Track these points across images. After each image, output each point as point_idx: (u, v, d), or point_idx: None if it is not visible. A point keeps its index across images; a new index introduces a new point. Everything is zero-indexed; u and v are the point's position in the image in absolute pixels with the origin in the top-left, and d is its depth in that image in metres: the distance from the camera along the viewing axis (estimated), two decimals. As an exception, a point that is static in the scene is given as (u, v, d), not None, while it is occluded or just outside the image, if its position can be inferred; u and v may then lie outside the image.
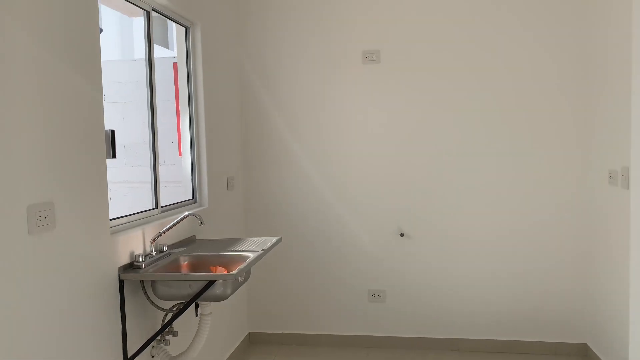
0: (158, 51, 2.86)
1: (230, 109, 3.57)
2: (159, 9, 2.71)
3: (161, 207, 2.71)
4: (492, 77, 3.43)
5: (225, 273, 2.13)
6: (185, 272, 2.44)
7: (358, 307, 3.69)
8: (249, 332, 3.81)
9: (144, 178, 5.38)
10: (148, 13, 2.62)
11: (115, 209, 2.40)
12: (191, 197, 3.14)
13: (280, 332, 3.78)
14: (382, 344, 3.66)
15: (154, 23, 2.67)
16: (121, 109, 5.12)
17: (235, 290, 2.28)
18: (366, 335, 3.68)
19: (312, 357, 3.53)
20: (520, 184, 3.44)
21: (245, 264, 2.23)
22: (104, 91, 2.84)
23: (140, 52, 5.68)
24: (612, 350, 3.06)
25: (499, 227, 3.48)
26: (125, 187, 5.03)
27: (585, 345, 3.42)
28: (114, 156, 2.19)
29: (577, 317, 3.44)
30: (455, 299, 3.57)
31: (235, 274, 2.08)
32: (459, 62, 3.45)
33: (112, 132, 2.18)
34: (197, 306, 2.88)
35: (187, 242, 2.80)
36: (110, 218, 2.16)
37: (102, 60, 2.07)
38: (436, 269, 3.58)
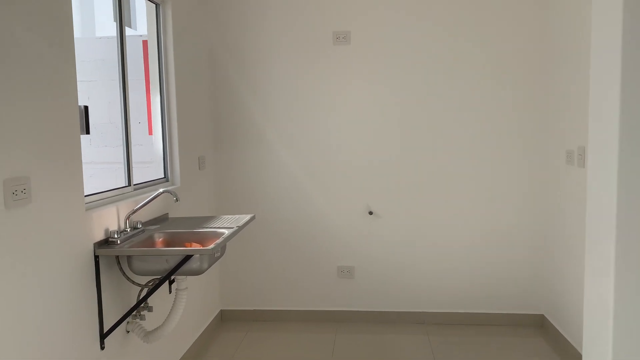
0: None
1: (201, 88, 3.56)
2: (129, -16, 2.68)
3: (134, 184, 2.71)
4: (456, 61, 3.53)
5: (202, 248, 2.17)
6: (161, 248, 2.47)
7: (328, 284, 3.78)
8: (221, 310, 3.86)
9: (111, 159, 5.31)
10: (119, -12, 2.59)
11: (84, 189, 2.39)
12: (163, 176, 3.15)
13: (252, 308, 3.84)
14: (351, 318, 3.78)
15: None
16: (86, 88, 5.01)
17: (212, 265, 2.32)
18: (336, 310, 3.79)
19: (283, 332, 3.62)
20: (481, 164, 3.59)
21: (221, 239, 2.27)
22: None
23: (103, 30, 5.54)
24: (566, 320, 3.26)
25: (461, 206, 3.63)
26: (91, 168, 4.95)
27: (542, 316, 3.63)
28: (87, 132, 2.18)
29: (534, 290, 3.64)
30: (421, 274, 3.71)
31: (212, 248, 2.12)
32: (425, 44, 3.54)
33: (86, 108, 2.17)
34: (170, 284, 2.91)
35: (161, 220, 2.81)
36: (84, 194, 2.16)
37: (74, 35, 2.05)
38: (403, 246, 3.70)
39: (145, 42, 3.57)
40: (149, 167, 3.49)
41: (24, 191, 1.73)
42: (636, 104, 1.41)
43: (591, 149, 1.62)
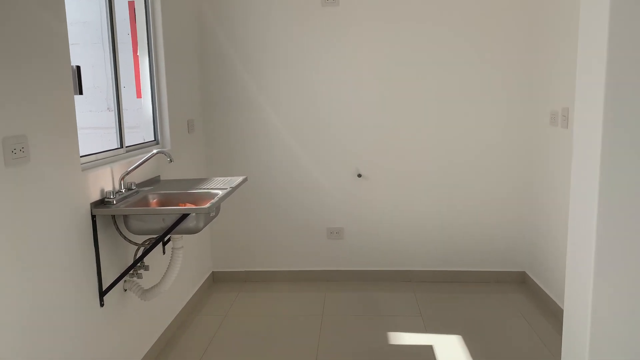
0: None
1: (189, 50, 3.53)
2: (116, -58, 2.62)
3: (126, 147, 2.72)
4: (443, 23, 3.55)
5: (198, 207, 2.21)
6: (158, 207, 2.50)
7: (317, 245, 3.87)
8: (213, 271, 3.94)
9: (97, 124, 5.25)
10: (106, -54, 2.54)
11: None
12: (153, 139, 3.15)
13: (243, 270, 3.93)
14: (340, 277, 3.89)
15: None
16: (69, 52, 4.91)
17: (207, 224, 2.37)
18: (325, 270, 3.89)
19: (274, 292, 3.71)
20: (466, 126, 3.66)
21: (216, 198, 2.32)
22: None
23: (84, -8, 5.39)
24: (547, 277, 3.40)
25: (447, 167, 3.71)
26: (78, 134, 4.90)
27: (524, 272, 3.78)
28: (80, 92, 2.18)
29: (516, 248, 3.77)
30: (407, 234, 3.82)
31: (208, 207, 2.17)
32: (412, 5, 3.55)
33: (78, 68, 2.16)
34: (163, 245, 2.96)
35: (153, 182, 2.84)
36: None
37: None
38: (390, 206, 3.79)
39: (131, 4, 3.51)
40: (135, 132, 3.49)
41: (22, 150, 1.74)
42: (623, 61, 1.47)
43: (577, 107, 1.68)
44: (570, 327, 1.72)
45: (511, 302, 3.44)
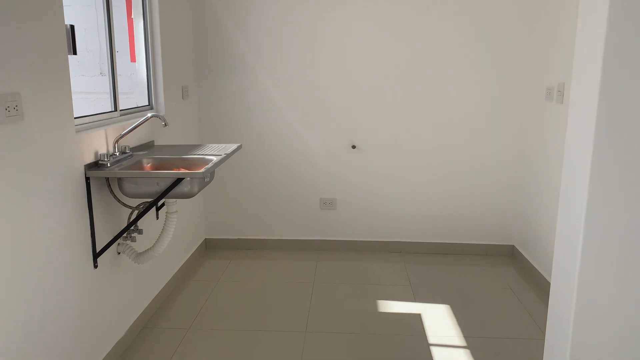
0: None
1: (184, 15, 3.48)
2: None
3: (120, 110, 2.70)
4: (439, 2, 3.52)
5: (193, 171, 2.21)
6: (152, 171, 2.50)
7: (310, 214, 3.90)
8: (206, 238, 3.96)
9: (89, 88, 5.18)
10: None
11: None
12: (147, 104, 3.13)
13: (236, 237, 3.95)
14: (332, 246, 3.93)
15: None
16: (60, 13, 4.81)
17: (202, 189, 2.38)
18: (317, 239, 3.93)
19: (266, 260, 3.75)
20: (460, 101, 3.66)
21: (211, 164, 2.32)
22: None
23: (75, -48, 5.26)
24: (535, 250, 3.46)
25: (441, 142, 3.72)
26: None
27: (513, 246, 3.84)
28: (74, 52, 2.15)
29: (506, 222, 3.82)
30: (399, 206, 3.85)
31: (203, 172, 2.17)
32: (415, -23, 3.50)
33: (72, 27, 2.12)
34: (157, 210, 2.97)
35: (147, 147, 2.83)
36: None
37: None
38: (383, 178, 3.81)
39: (125, -36, 3.43)
40: (128, 98, 3.45)
41: (16, 108, 1.72)
42: (621, 37, 1.47)
43: (574, 82, 1.68)
44: (556, 299, 1.76)
45: (499, 275, 3.51)
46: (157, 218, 2.99)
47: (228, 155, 2.60)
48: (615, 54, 1.48)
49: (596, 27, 1.52)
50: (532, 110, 3.51)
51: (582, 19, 1.60)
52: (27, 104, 1.79)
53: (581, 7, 1.60)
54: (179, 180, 2.24)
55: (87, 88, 5.09)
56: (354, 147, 3.77)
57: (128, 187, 2.28)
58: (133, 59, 3.25)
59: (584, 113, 1.59)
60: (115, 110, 2.65)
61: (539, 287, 3.31)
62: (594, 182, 1.57)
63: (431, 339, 2.69)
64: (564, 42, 3.03)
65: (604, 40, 1.49)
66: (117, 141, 2.41)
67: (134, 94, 3.24)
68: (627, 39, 1.46)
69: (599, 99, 1.52)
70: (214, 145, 2.89)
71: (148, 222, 2.85)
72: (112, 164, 2.31)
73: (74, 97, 2.12)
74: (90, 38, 4.99)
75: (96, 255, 2.27)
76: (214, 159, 2.49)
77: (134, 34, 3.11)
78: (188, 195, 2.31)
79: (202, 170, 2.19)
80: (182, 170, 2.49)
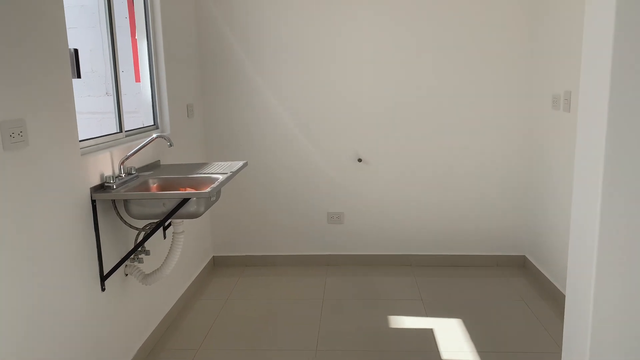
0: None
1: (188, 34, 3.49)
2: None
3: (125, 131, 2.71)
4: (443, 10, 3.51)
5: (199, 191, 2.20)
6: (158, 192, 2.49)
7: (318, 229, 3.87)
8: (214, 256, 3.94)
9: (95, 108, 5.22)
10: None
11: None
12: (152, 123, 3.13)
13: (244, 254, 3.93)
14: (341, 261, 3.89)
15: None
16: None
17: (208, 208, 2.36)
18: (326, 254, 3.89)
19: (274, 276, 3.72)
20: (467, 111, 3.63)
21: (217, 183, 2.31)
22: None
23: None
24: (547, 260, 3.41)
25: (448, 152, 3.70)
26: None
27: (524, 256, 3.78)
28: (78, 76, 2.15)
29: (516, 232, 3.77)
30: (408, 218, 3.81)
31: (209, 192, 2.16)
32: (416, -11, 3.51)
33: (76, 51, 2.13)
34: (164, 229, 2.96)
35: (153, 167, 2.83)
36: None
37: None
38: (390, 191, 3.78)
39: (128, -14, 3.46)
40: (134, 117, 3.46)
41: (20, 134, 1.72)
42: (629, 42, 1.45)
43: (582, 89, 1.66)
44: (572, 312, 1.72)
45: (511, 286, 3.45)
46: (165, 237, 2.98)
47: (234, 173, 2.59)
48: (623, 60, 1.46)
49: (603, 34, 1.50)
50: (540, 119, 3.48)
51: (588, 25, 1.58)
52: (32, 130, 1.79)
53: (587, 14, 1.59)
54: (185, 201, 2.23)
55: (93, 108, 5.12)
56: (360, 160, 3.75)
57: (134, 209, 2.27)
58: (138, 79, 3.27)
59: (593, 122, 1.57)
60: (121, 131, 2.65)
61: (552, 298, 3.25)
62: (606, 192, 1.54)
63: (444, 354, 2.65)
64: (569, 50, 3.01)
65: (611, 46, 1.46)
66: (122, 162, 2.40)
67: (140, 113, 3.25)
68: (636, 44, 1.44)
69: (608, 107, 1.49)
70: (219, 163, 2.88)
71: (156, 241, 2.84)
72: (118, 186, 2.30)
73: (81, 117, 2.13)
74: (96, 59, 5.03)
75: (103, 278, 2.25)
76: (220, 177, 2.48)
77: (137, 54, 3.12)
78: (194, 215, 2.30)
79: (208, 189, 2.18)
80: (188, 190, 2.48)
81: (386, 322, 3.00)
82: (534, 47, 3.51)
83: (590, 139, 1.59)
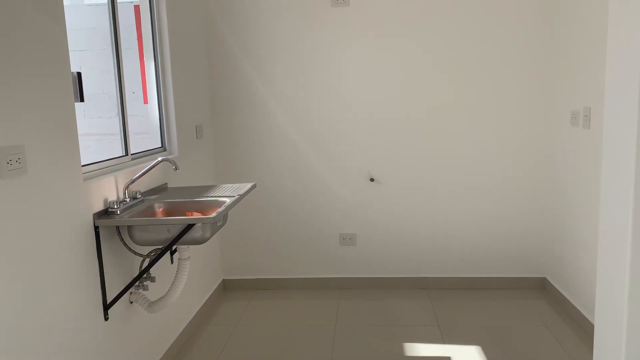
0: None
1: (197, 55, 3.46)
2: (118, -56, 2.56)
3: (131, 154, 2.65)
4: (459, 23, 3.43)
5: (204, 216, 2.13)
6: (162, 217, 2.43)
7: (330, 251, 3.77)
8: (223, 279, 3.86)
9: (106, 130, 5.22)
10: (108, -51, 2.47)
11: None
12: (160, 145, 3.08)
13: (254, 277, 3.84)
14: (354, 284, 3.78)
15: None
16: (77, 58, 4.88)
17: (214, 233, 2.29)
18: (338, 277, 3.78)
19: (286, 300, 3.62)
20: (484, 129, 3.53)
21: (223, 207, 2.23)
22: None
23: (93, -3, 5.38)
24: (568, 282, 3.26)
25: (464, 170, 3.59)
26: (87, 140, 4.87)
27: (544, 278, 3.64)
28: (81, 100, 2.11)
29: (536, 254, 3.63)
30: (422, 240, 3.70)
31: (214, 217, 2.08)
32: (426, 5, 3.44)
33: (79, 74, 2.09)
34: (171, 254, 2.89)
35: (160, 190, 2.77)
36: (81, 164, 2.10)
37: None
38: (404, 212, 3.68)
39: (137, 8, 3.45)
40: (144, 138, 3.42)
41: (18, 161, 1.67)
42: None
43: (607, 104, 1.56)
44: (602, 343, 1.60)
45: (532, 309, 3.31)
46: (172, 262, 2.90)
47: (242, 196, 2.52)
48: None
49: (631, 50, 1.40)
50: (558, 136, 3.37)
51: (613, 40, 1.49)
52: (31, 156, 1.74)
53: (610, 29, 1.49)
54: (190, 226, 2.16)
55: (104, 130, 5.13)
56: (372, 180, 3.66)
57: (138, 235, 2.20)
58: (146, 101, 3.23)
59: (620, 137, 1.47)
60: (126, 154, 2.60)
61: (575, 322, 3.10)
62: (637, 213, 1.43)
63: (463, 385, 2.51)
64: (588, 66, 2.91)
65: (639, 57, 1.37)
66: (127, 187, 2.34)
67: (150, 134, 3.21)
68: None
69: (638, 120, 1.39)
70: (227, 185, 2.81)
71: (163, 267, 2.76)
72: (122, 211, 2.24)
73: (91, 139, 2.08)
74: (107, 81, 5.04)
75: (107, 306, 2.18)
76: (227, 200, 2.41)
77: (145, 76, 3.09)
78: (200, 241, 2.22)
79: (214, 214, 2.10)
80: (194, 215, 2.41)
81: (401, 349, 2.87)
82: (552, 63, 3.41)
83: (618, 157, 1.49)
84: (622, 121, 1.46)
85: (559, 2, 3.26)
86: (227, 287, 3.86)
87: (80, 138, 2.04)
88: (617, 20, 1.46)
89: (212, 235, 2.26)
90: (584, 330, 3.00)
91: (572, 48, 3.10)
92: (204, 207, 2.46)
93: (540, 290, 3.62)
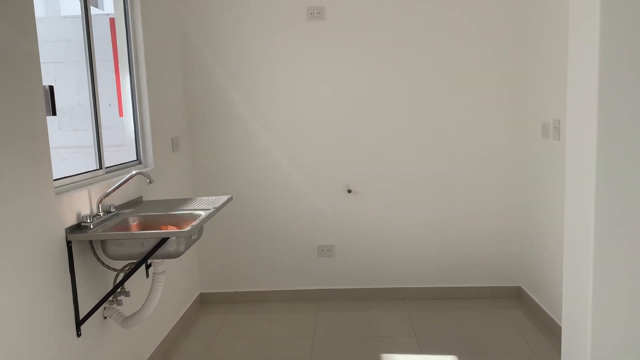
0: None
1: (173, 67, 3.46)
2: (93, -42, 2.56)
3: (106, 167, 2.63)
4: (433, 41, 3.50)
5: (178, 230, 2.12)
6: (135, 231, 2.41)
7: (308, 263, 3.77)
8: (201, 293, 3.82)
9: (82, 143, 5.16)
10: (81, -38, 2.47)
11: (54, 174, 2.30)
12: (135, 158, 3.06)
13: (232, 290, 3.81)
14: (332, 296, 3.78)
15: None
16: (52, 70, 4.83)
17: (189, 247, 2.28)
18: (316, 289, 3.78)
19: (264, 313, 3.60)
20: (457, 139, 3.59)
21: (198, 220, 2.22)
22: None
23: (68, 9, 5.34)
24: (543, 291, 3.32)
25: (438, 182, 3.64)
26: (62, 153, 4.80)
27: (519, 287, 3.69)
28: (54, 113, 2.09)
29: (511, 263, 3.69)
30: (400, 250, 3.72)
31: (188, 231, 2.08)
32: (401, 19, 3.50)
33: (51, 87, 2.07)
34: (147, 267, 2.86)
35: (135, 203, 2.75)
36: (53, 178, 2.08)
37: (35, 10, 1.95)
38: (381, 222, 3.70)
39: (112, 20, 3.44)
40: (120, 151, 3.39)
41: (-13, 176, 1.64)
42: (615, 69, 1.41)
43: (570, 118, 1.61)
44: (569, 346, 1.63)
45: (507, 318, 3.35)
46: (147, 276, 2.87)
47: (217, 209, 2.51)
48: (610, 87, 1.41)
49: (588, 61, 1.45)
50: (529, 147, 3.44)
51: (573, 54, 1.54)
52: (1, 171, 1.71)
53: (570, 41, 1.55)
54: (164, 240, 2.14)
55: (80, 142, 5.06)
56: (349, 191, 3.69)
57: (111, 249, 2.18)
58: (121, 113, 3.21)
59: (582, 149, 1.52)
60: (100, 167, 2.58)
61: (549, 330, 3.15)
62: (598, 221, 1.47)
63: (439, 395, 2.53)
64: (558, 79, 2.99)
65: (597, 73, 1.42)
66: (101, 201, 2.32)
67: (126, 147, 3.18)
68: (621, 72, 1.40)
69: (597, 134, 1.44)
70: (203, 198, 2.80)
71: (138, 281, 2.73)
72: (95, 225, 2.21)
73: (66, 151, 2.05)
74: (82, 94, 4.99)
75: (79, 322, 2.14)
76: (203, 214, 2.40)
77: (120, 89, 3.08)
78: (174, 255, 2.21)
79: (188, 228, 2.10)
80: (169, 228, 2.40)
81: (379, 360, 2.88)
82: (524, 77, 3.49)
83: (580, 168, 1.54)
84: (582, 133, 1.51)
85: (529, 20, 3.35)
86: (205, 301, 3.83)
87: (56, 151, 2.03)
88: (575, 48, 1.51)
89: (186, 249, 2.25)
90: (557, 338, 3.04)
91: (542, 62, 3.18)
92: (178, 221, 2.45)
93: (515, 299, 3.67)
